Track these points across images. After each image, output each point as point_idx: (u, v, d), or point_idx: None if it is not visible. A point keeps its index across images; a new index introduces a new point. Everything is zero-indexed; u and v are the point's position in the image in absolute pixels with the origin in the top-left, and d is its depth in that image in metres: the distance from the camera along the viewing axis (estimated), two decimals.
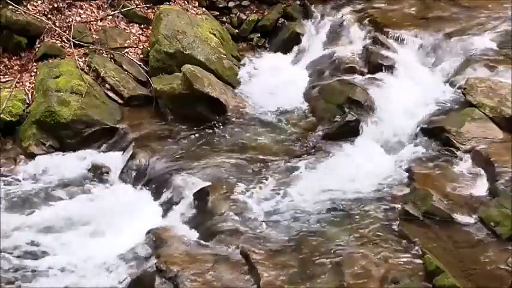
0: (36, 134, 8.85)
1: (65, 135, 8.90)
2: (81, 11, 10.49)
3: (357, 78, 9.34)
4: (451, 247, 6.69)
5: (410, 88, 8.99)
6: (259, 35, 11.19)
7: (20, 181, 8.36)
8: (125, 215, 7.69)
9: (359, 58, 9.74)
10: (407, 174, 7.79)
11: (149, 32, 10.44)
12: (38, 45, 9.87)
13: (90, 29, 10.28)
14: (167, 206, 7.87)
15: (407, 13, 10.52)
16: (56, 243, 7.35)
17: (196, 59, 9.73)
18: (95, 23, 10.41)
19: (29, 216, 7.73)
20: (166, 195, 7.98)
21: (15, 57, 9.79)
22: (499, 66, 8.93)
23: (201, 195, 7.73)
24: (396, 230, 6.94)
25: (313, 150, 8.55)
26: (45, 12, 10.18)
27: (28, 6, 10.12)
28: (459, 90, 8.68)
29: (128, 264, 6.96)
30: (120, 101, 9.46)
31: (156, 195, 8.08)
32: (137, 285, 6.64)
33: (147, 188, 8.24)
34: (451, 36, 9.70)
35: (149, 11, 10.77)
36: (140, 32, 10.57)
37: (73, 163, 8.64)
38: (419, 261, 6.45)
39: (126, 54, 10.07)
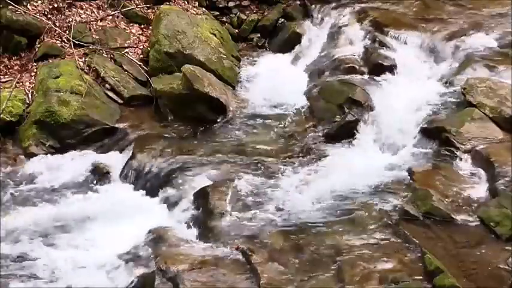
0: (36, 134, 8.85)
1: (65, 135, 8.90)
2: (81, 11, 10.49)
3: (357, 78, 9.34)
4: (451, 247, 6.68)
5: (410, 88, 8.99)
6: (259, 35, 11.21)
7: (19, 181, 8.36)
8: (125, 214, 7.69)
9: (359, 58, 9.73)
10: (407, 174, 7.79)
11: (149, 32, 10.44)
12: (38, 45, 9.88)
13: (90, 29, 10.28)
14: (167, 206, 7.87)
15: (407, 13, 10.52)
16: (55, 243, 7.34)
17: (196, 59, 9.74)
18: (95, 23, 10.41)
19: (29, 216, 7.72)
20: (166, 195, 7.98)
21: (15, 57, 9.79)
22: (499, 66, 8.93)
23: (201, 195, 7.73)
24: (396, 230, 6.94)
25: (313, 150, 8.55)
26: (45, 12, 10.18)
27: (28, 6, 10.12)
28: (459, 90, 8.67)
29: (128, 264, 6.96)
30: (120, 101, 9.46)
31: (156, 195, 8.08)
32: (137, 285, 6.64)
33: (147, 187, 8.24)
34: (451, 36, 9.69)
35: (149, 11, 10.77)
36: (140, 32, 10.57)
37: (73, 163, 8.64)
38: (419, 261, 6.45)
39: (126, 54, 10.07)
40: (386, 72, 9.34)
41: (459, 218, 7.03)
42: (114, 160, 8.67)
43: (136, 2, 10.87)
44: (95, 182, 8.41)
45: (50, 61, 9.69)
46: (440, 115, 8.47)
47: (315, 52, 10.43)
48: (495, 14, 10.20)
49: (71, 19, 10.22)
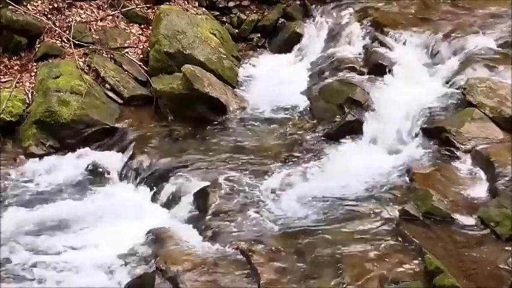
0: (36, 134, 8.85)
1: (65, 135, 8.89)
2: (81, 11, 10.50)
3: (357, 78, 9.35)
4: (451, 247, 6.68)
5: (410, 88, 8.98)
6: (259, 35, 11.22)
7: (19, 181, 8.36)
8: (124, 214, 7.69)
9: (359, 58, 9.74)
10: (407, 174, 7.79)
11: (149, 32, 10.45)
12: (38, 45, 9.88)
13: (90, 29, 10.29)
14: (167, 206, 7.87)
15: (407, 13, 10.53)
16: (55, 243, 7.33)
17: (196, 59, 9.74)
18: (95, 23, 10.41)
19: (29, 217, 7.72)
20: (166, 195, 7.98)
21: (15, 57, 9.79)
22: (499, 66, 8.93)
23: (201, 195, 7.73)
24: (396, 230, 6.94)
25: (313, 150, 8.55)
26: (45, 12, 10.19)
27: (28, 6, 10.12)
28: (459, 90, 8.67)
29: (127, 264, 6.96)
30: (120, 101, 9.47)
31: (156, 195, 8.08)
32: (137, 285, 6.64)
33: (147, 188, 8.23)
34: (451, 36, 9.70)
35: (149, 11, 10.78)
36: (140, 32, 10.58)
37: (73, 163, 8.64)
38: (419, 261, 6.44)
39: (126, 54, 10.08)
40: (386, 72, 9.33)
41: (459, 218, 7.02)
42: (114, 160, 8.66)
43: (136, 2, 10.88)
44: (94, 182, 8.40)
45: (50, 61, 9.70)
46: (440, 115, 8.47)
47: (315, 52, 10.44)
48: (494, 14, 10.21)
49: (71, 19, 10.22)
